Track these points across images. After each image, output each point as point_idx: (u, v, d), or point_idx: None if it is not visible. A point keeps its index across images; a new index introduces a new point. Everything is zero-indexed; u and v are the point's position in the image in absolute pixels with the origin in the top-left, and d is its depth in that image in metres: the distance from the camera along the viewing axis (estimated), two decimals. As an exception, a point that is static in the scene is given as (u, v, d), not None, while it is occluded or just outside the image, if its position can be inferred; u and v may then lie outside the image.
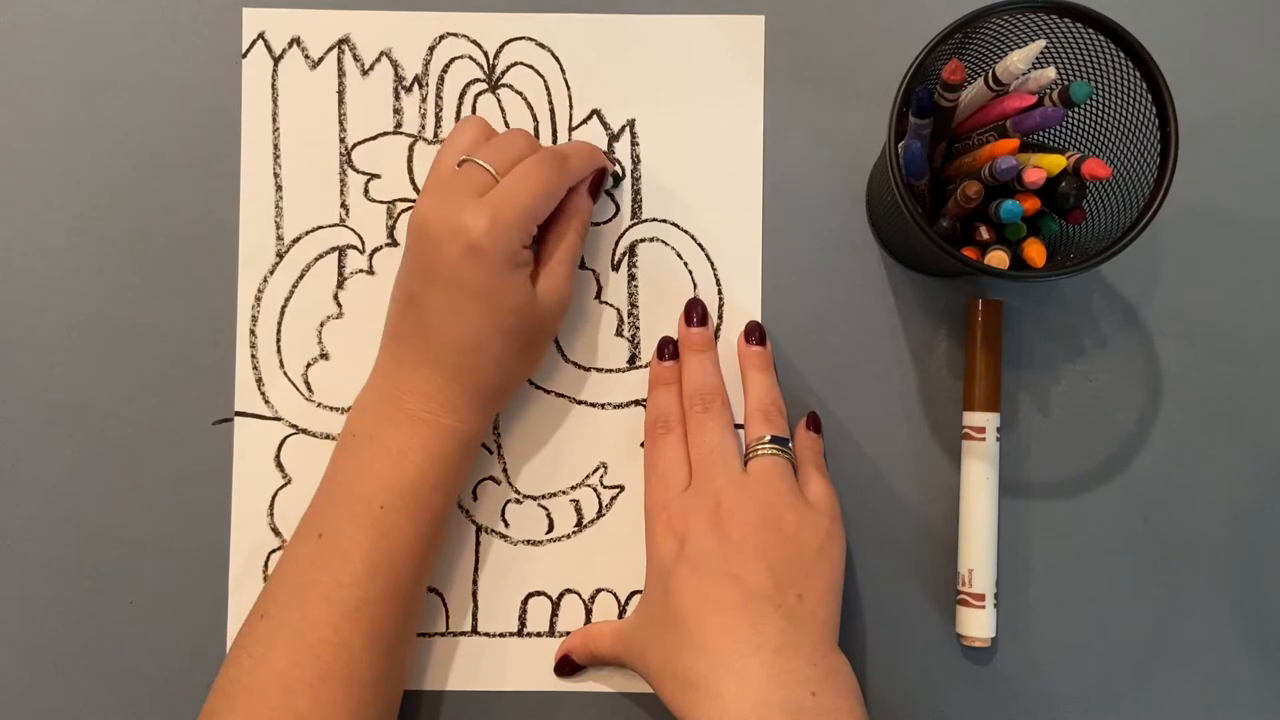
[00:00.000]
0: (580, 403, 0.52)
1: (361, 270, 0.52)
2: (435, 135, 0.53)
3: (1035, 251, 0.45)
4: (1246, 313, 0.52)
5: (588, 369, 0.52)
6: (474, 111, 0.53)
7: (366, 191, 0.53)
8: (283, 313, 0.52)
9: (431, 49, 0.53)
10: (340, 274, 0.52)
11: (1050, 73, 0.44)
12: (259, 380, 0.52)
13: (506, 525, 0.51)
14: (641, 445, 0.52)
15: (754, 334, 0.51)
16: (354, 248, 0.52)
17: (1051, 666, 0.51)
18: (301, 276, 0.52)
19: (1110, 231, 0.44)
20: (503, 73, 0.53)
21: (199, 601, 0.51)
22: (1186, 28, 0.52)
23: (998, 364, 0.51)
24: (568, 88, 0.53)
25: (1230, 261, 0.52)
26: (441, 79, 0.53)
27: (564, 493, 0.52)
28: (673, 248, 0.53)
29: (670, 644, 0.43)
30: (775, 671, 0.40)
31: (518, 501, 0.51)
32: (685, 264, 0.53)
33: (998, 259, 0.45)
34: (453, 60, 0.53)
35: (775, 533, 0.44)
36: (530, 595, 0.51)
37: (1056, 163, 0.44)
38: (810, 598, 0.43)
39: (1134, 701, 0.50)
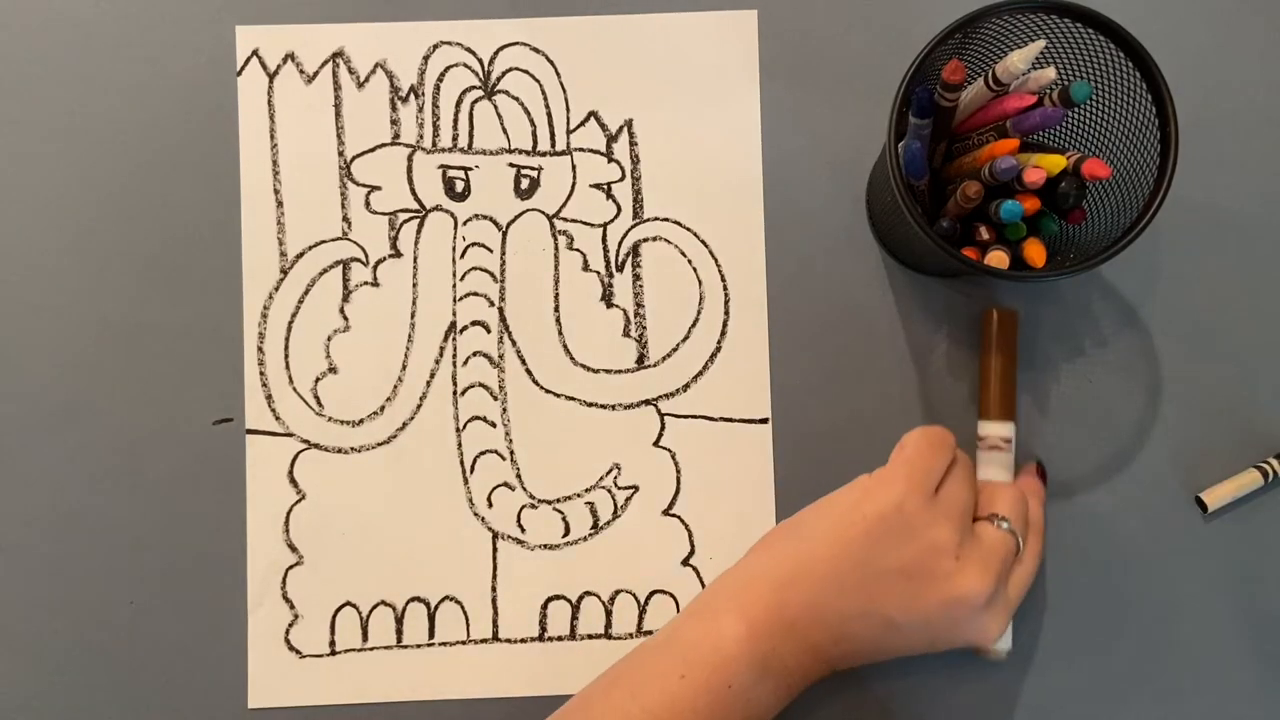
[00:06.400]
0: (591, 405, 0.53)
1: (366, 283, 0.52)
2: (433, 144, 0.53)
3: (1035, 251, 0.46)
4: (1246, 313, 0.52)
5: (597, 371, 0.53)
6: (471, 119, 0.53)
7: (368, 203, 0.52)
8: (289, 328, 0.52)
9: (426, 58, 0.52)
10: (345, 287, 0.52)
11: (1050, 73, 0.44)
12: (269, 397, 0.52)
13: (523, 530, 0.52)
14: (654, 445, 0.52)
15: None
16: (358, 260, 0.52)
17: (1052, 667, 0.51)
18: (306, 291, 0.52)
19: (1110, 231, 0.44)
20: (498, 79, 0.53)
21: (199, 602, 0.51)
22: (1186, 28, 0.52)
23: (1014, 372, 0.51)
24: (564, 91, 0.53)
25: (1230, 261, 0.52)
26: (438, 88, 0.52)
27: (579, 495, 0.52)
28: (676, 246, 0.53)
29: None
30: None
31: (533, 506, 0.52)
32: (689, 261, 0.53)
33: (998, 259, 0.45)
34: (448, 69, 0.52)
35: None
36: (550, 599, 0.52)
37: (1056, 163, 0.44)
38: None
39: (1134, 702, 0.51)
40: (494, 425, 0.52)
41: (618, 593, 0.52)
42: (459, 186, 0.53)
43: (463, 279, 0.53)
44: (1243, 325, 0.52)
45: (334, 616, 0.52)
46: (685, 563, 0.52)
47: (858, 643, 0.45)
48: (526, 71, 0.53)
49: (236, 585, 0.51)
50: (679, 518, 0.52)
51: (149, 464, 0.52)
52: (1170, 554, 0.52)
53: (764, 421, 0.52)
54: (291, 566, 0.52)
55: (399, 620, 0.52)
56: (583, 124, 0.53)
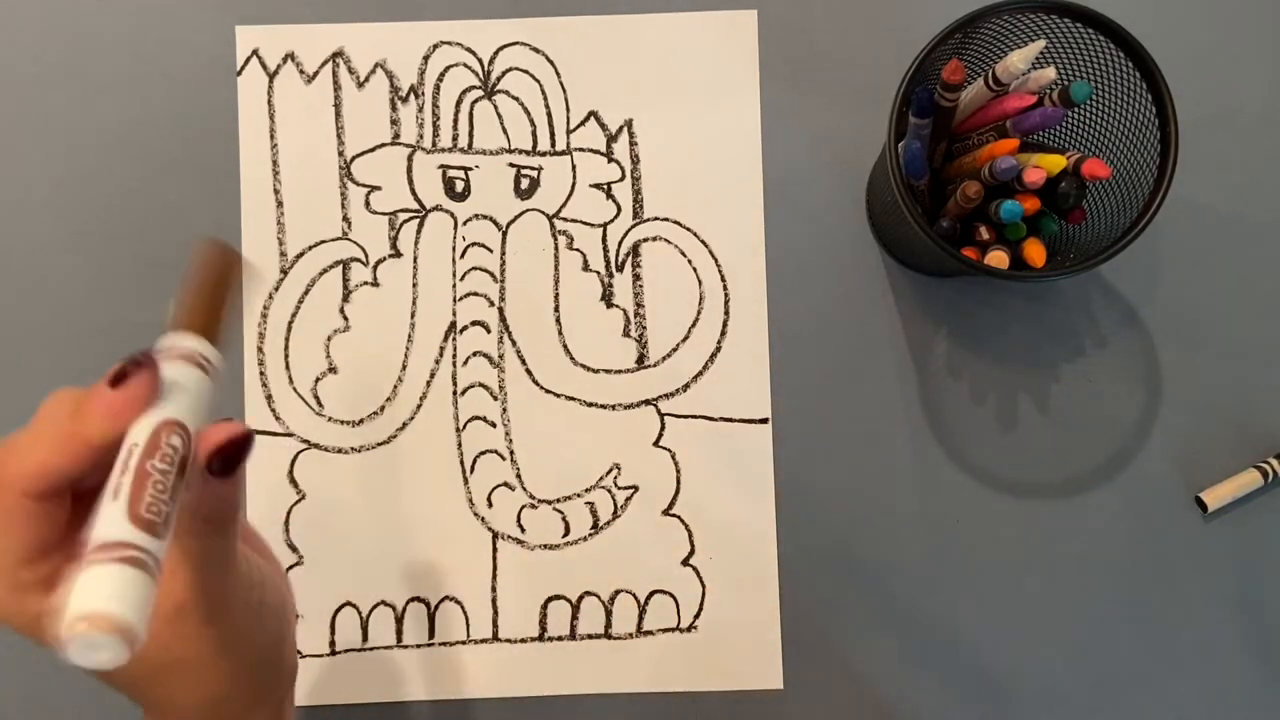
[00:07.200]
0: (591, 405, 0.53)
1: (366, 283, 0.52)
2: (433, 144, 0.53)
3: (1035, 251, 0.46)
4: (1246, 313, 0.52)
5: (597, 371, 0.53)
6: (471, 119, 0.53)
7: (368, 204, 0.52)
8: (289, 328, 0.52)
9: (426, 58, 0.52)
10: (345, 287, 0.52)
11: (1050, 73, 0.44)
12: (269, 397, 0.52)
13: (523, 530, 0.52)
14: (654, 445, 0.52)
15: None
16: (358, 260, 0.52)
17: (1051, 667, 0.51)
18: (306, 292, 0.52)
19: (1110, 231, 0.44)
20: (498, 79, 0.53)
21: None
22: (1186, 28, 0.52)
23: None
24: (564, 91, 0.53)
25: (1230, 261, 0.52)
26: (438, 88, 0.52)
27: (579, 495, 0.52)
28: (676, 246, 0.53)
29: None
30: None
31: (533, 506, 0.52)
32: (689, 261, 0.53)
33: (998, 259, 0.45)
34: (448, 69, 0.52)
35: None
36: (550, 599, 0.52)
37: (1056, 163, 0.44)
38: None
39: (1134, 702, 0.52)
40: (494, 425, 0.52)
41: (618, 593, 0.52)
42: (459, 186, 0.53)
43: (463, 279, 0.53)
44: (1243, 325, 0.52)
45: (334, 616, 0.52)
46: (685, 563, 0.52)
47: None
48: (526, 71, 0.53)
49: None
50: (679, 518, 0.52)
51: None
52: (1170, 554, 0.52)
53: (764, 421, 0.52)
54: (291, 566, 0.52)
55: (399, 620, 0.52)
56: (583, 124, 0.53)
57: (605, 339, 0.53)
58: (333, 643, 0.52)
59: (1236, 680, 0.51)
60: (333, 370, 0.52)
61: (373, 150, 0.52)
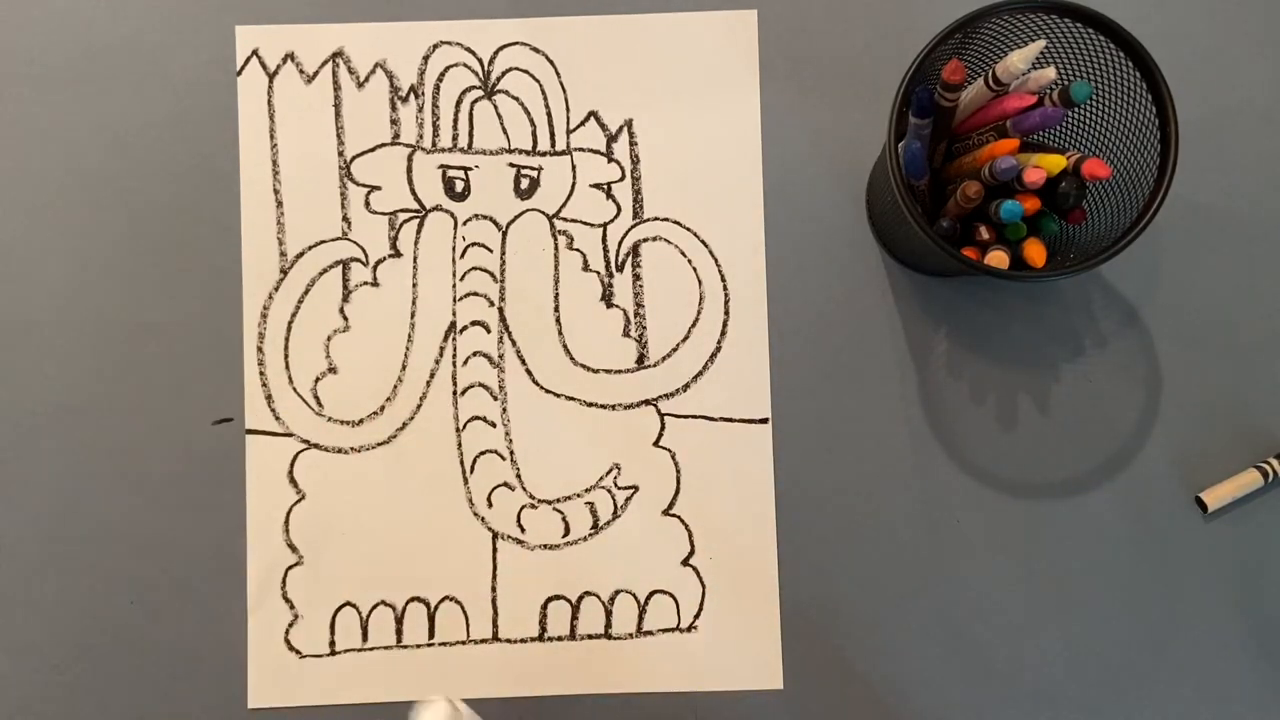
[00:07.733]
0: (591, 405, 0.53)
1: (366, 283, 0.52)
2: (433, 144, 0.53)
3: (1035, 251, 0.46)
4: (1246, 313, 0.52)
5: (596, 371, 0.53)
6: (471, 119, 0.53)
7: (367, 203, 0.53)
8: (289, 328, 0.52)
9: (426, 58, 0.52)
10: (345, 287, 0.52)
11: (1050, 73, 0.44)
12: (269, 397, 0.52)
13: (523, 531, 0.52)
14: (654, 445, 0.52)
15: None
16: (357, 260, 0.52)
17: (1050, 667, 0.52)
18: (306, 292, 0.52)
19: (1110, 231, 0.44)
20: (498, 79, 0.53)
21: (199, 602, 0.52)
22: (1186, 27, 0.52)
23: None
24: (564, 91, 0.53)
25: (1230, 261, 0.52)
26: (437, 88, 0.53)
27: (579, 495, 0.52)
28: (676, 246, 0.53)
29: None
30: None
31: (533, 507, 0.52)
32: (689, 261, 0.53)
33: (998, 259, 0.45)
34: (448, 69, 0.52)
35: None
36: (550, 599, 0.52)
37: (1056, 163, 0.44)
38: None
39: (1134, 702, 0.52)
40: (494, 425, 0.52)
41: (618, 593, 0.52)
42: (459, 186, 0.53)
43: (463, 279, 0.53)
44: (1243, 325, 0.52)
45: (334, 616, 0.52)
46: (685, 563, 0.52)
47: None
48: (526, 71, 0.53)
49: (236, 585, 0.52)
50: (679, 518, 0.52)
51: (149, 464, 0.52)
52: (1170, 554, 0.52)
53: (764, 421, 0.52)
54: (291, 566, 0.52)
55: (399, 620, 0.52)
56: (583, 124, 0.53)
57: (605, 339, 0.53)
58: (333, 643, 0.52)
59: (1236, 680, 0.51)
60: (333, 370, 0.52)
61: (373, 150, 0.52)
